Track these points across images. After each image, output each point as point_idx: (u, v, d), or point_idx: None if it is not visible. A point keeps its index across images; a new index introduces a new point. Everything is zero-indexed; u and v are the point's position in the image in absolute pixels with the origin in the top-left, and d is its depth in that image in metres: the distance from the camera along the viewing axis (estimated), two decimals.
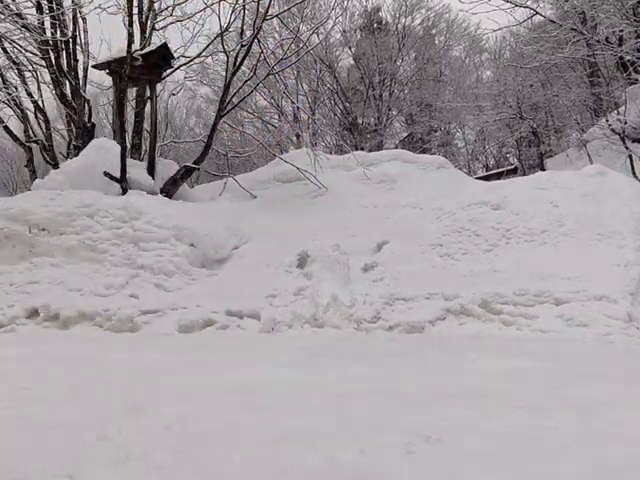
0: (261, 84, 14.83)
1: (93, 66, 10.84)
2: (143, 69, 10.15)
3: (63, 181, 9.24)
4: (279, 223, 9.29)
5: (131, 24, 9.48)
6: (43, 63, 11.20)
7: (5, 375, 3.99)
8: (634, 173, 11.93)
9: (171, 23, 11.32)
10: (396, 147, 21.62)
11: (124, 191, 9.40)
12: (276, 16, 12.34)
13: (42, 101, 11.89)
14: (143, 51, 10.12)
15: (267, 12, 10.56)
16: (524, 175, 13.64)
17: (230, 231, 8.93)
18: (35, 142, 11.75)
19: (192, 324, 6.77)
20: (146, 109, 10.89)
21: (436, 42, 23.84)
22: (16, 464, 2.19)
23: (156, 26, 10.91)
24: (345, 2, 17.51)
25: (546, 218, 8.10)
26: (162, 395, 3.37)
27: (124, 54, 9.57)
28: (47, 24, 10.84)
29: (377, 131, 22.06)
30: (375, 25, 23.34)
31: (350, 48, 22.92)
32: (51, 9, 10.12)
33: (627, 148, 12.63)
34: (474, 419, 2.80)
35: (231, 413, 2.94)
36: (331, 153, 16.48)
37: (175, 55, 11.01)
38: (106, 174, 9.40)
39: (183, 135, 22.75)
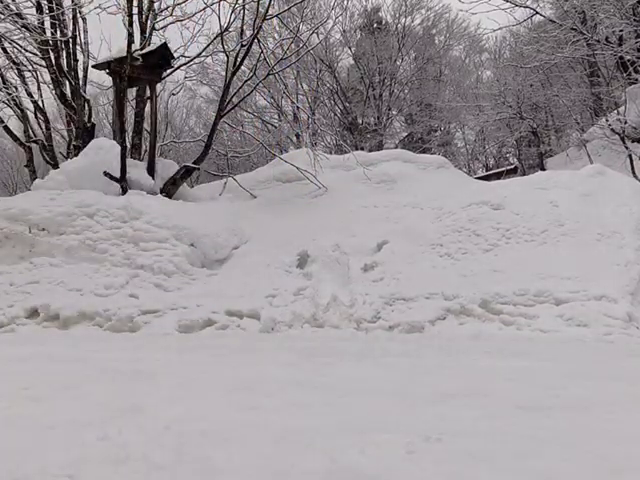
0: (261, 84, 14.85)
1: (93, 66, 10.83)
2: (143, 69, 10.15)
3: (63, 181, 9.24)
4: (279, 223, 9.30)
5: (131, 24, 9.49)
6: (43, 63, 11.20)
7: (5, 375, 3.99)
8: (634, 173, 11.93)
9: (171, 23, 11.35)
10: (396, 147, 21.63)
11: (124, 191, 9.40)
12: (276, 16, 12.36)
13: (42, 101, 11.89)
14: (143, 51, 10.12)
15: (267, 12, 10.58)
16: (524, 175, 13.64)
17: (230, 231, 8.94)
18: (35, 142, 11.74)
19: (192, 324, 6.78)
20: (146, 109, 10.90)
21: (436, 42, 23.86)
22: (16, 464, 2.19)
23: (156, 26, 10.93)
24: (345, 2, 17.59)
25: (546, 218, 8.10)
26: (162, 395, 3.37)
27: (124, 54, 9.57)
28: (47, 24, 10.84)
29: (377, 131, 22.06)
30: (375, 25, 23.37)
31: (350, 48, 22.94)
32: (51, 9, 10.12)
33: (627, 148, 12.63)
34: (474, 419, 2.79)
35: (231, 413, 2.94)
36: (331, 153, 16.47)
37: (175, 55, 11.03)
38: (106, 174, 9.40)
39: (183, 135, 22.75)
